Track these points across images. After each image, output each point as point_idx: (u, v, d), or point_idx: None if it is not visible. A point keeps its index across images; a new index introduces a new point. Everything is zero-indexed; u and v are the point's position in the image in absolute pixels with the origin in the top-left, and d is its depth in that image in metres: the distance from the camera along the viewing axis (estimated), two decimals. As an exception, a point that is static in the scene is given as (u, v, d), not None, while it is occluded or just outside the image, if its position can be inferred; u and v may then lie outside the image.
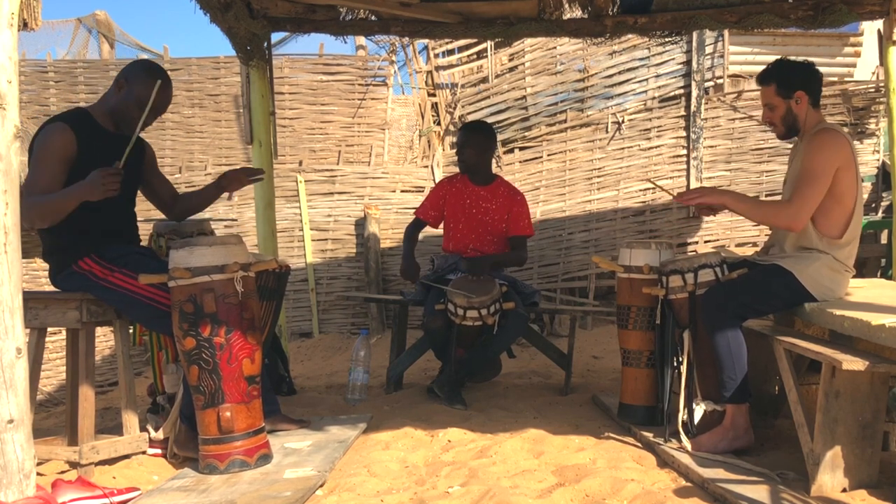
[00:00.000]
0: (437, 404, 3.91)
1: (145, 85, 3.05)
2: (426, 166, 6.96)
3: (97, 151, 3.02)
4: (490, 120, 6.80)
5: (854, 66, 7.14)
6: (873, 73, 7.12)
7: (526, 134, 6.88)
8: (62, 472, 2.97)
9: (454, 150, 6.83)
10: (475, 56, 6.92)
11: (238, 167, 3.62)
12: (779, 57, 3.29)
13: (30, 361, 2.40)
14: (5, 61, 2.18)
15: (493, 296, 3.89)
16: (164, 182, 3.49)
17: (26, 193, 2.87)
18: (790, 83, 3.12)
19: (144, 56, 8.31)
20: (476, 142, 4.36)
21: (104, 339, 6.11)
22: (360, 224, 6.92)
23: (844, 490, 2.56)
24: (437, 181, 6.67)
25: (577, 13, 4.38)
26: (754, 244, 6.51)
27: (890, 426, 2.75)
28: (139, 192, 3.37)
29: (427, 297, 4.20)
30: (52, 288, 3.15)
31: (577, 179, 6.88)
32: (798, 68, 3.18)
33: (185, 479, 2.81)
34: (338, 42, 10.62)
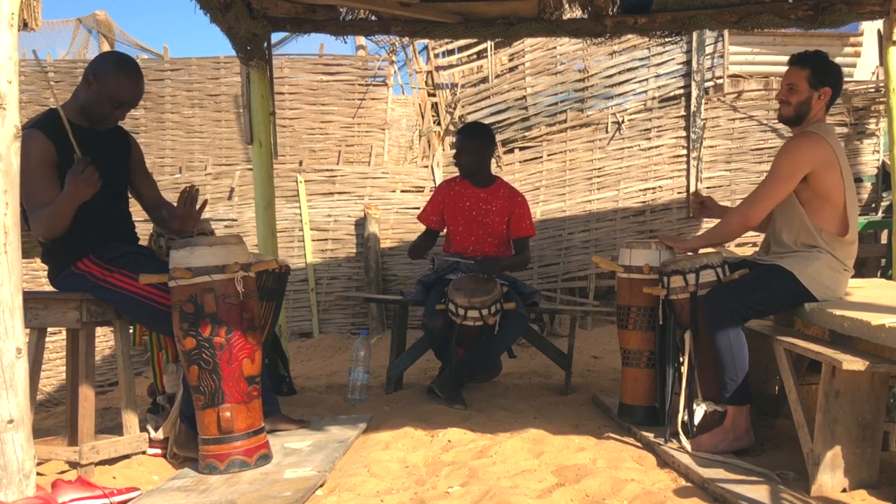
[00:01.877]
0: (437, 404, 3.91)
1: (116, 81, 2.99)
2: (426, 166, 6.96)
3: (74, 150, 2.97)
4: (490, 120, 6.80)
5: (854, 66, 7.14)
6: (873, 73, 7.13)
7: (526, 134, 6.88)
8: (62, 472, 2.97)
9: (454, 150, 6.84)
10: (475, 56, 6.92)
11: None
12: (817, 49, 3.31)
13: (30, 361, 2.40)
14: (5, 61, 2.18)
15: (493, 296, 3.89)
16: (149, 185, 3.38)
17: (30, 211, 2.86)
18: (825, 76, 3.14)
19: (144, 56, 8.31)
20: (472, 148, 4.36)
21: (104, 339, 6.11)
22: (360, 224, 6.92)
23: (844, 490, 2.56)
24: (437, 181, 6.68)
25: (577, 13, 4.38)
26: (754, 244, 6.51)
27: (890, 426, 2.75)
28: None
29: (427, 297, 4.20)
30: (52, 288, 3.15)
31: (577, 179, 6.88)
32: (835, 67, 3.22)
33: (185, 479, 2.81)
34: (338, 42, 10.64)
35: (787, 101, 3.19)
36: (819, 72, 3.14)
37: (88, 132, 3.05)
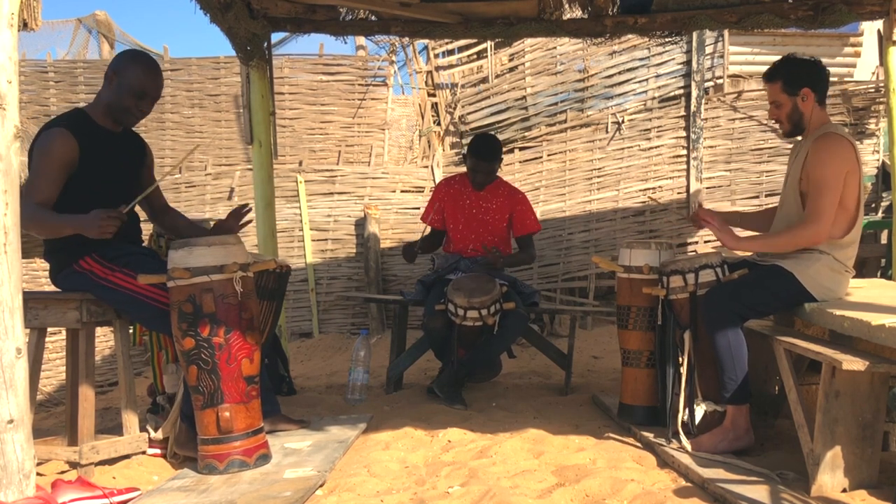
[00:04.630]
0: (437, 404, 3.91)
1: (135, 72, 3.06)
2: (426, 166, 6.96)
3: (99, 153, 3.02)
4: (490, 120, 6.80)
5: (854, 66, 7.14)
6: (873, 73, 7.12)
7: (526, 134, 6.87)
8: (62, 472, 2.97)
9: (454, 150, 6.84)
10: (475, 56, 6.92)
11: (230, 210, 3.52)
12: (787, 53, 3.28)
13: (30, 361, 2.40)
14: (5, 61, 2.17)
15: (493, 296, 3.89)
16: (156, 191, 3.37)
17: (25, 196, 2.86)
18: (796, 80, 3.11)
19: (144, 56, 8.30)
20: (487, 169, 4.34)
21: (104, 339, 6.11)
22: (360, 224, 6.92)
23: (844, 490, 2.56)
24: (437, 181, 6.68)
25: (577, 13, 4.38)
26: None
27: (890, 426, 2.75)
28: None
29: (427, 297, 4.21)
30: (52, 288, 3.15)
31: (577, 179, 6.88)
32: (805, 65, 3.16)
33: (184, 479, 2.81)
34: (338, 42, 10.65)
35: (777, 118, 3.20)
36: (789, 78, 3.11)
37: (111, 135, 3.11)
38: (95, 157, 3.00)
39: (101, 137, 3.06)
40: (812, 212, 2.99)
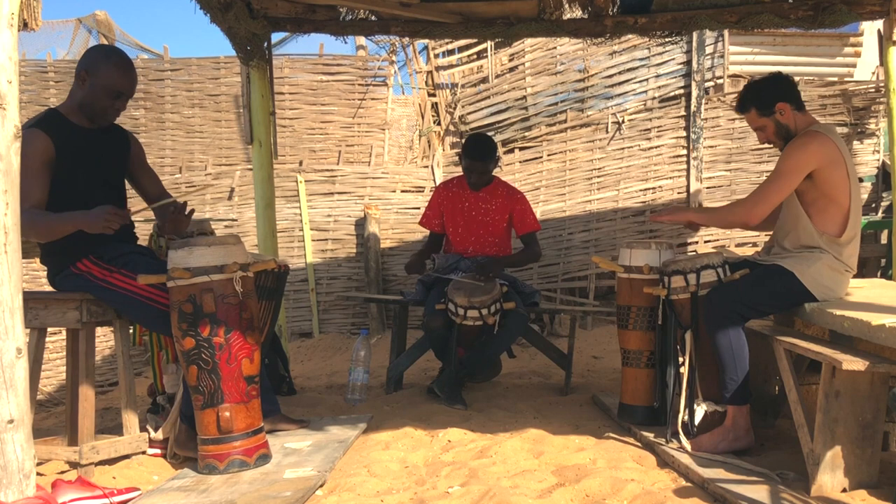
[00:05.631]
0: (437, 404, 3.91)
1: (110, 72, 2.99)
2: (426, 166, 6.96)
3: (75, 150, 2.98)
4: (490, 120, 6.80)
5: (854, 66, 7.13)
6: (873, 73, 7.12)
7: (526, 134, 6.87)
8: (62, 472, 2.97)
9: (454, 150, 6.84)
10: (475, 56, 6.92)
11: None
12: (747, 82, 3.33)
13: (30, 361, 2.40)
14: (5, 61, 2.17)
15: (493, 296, 3.90)
16: (151, 178, 3.37)
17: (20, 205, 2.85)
18: (767, 101, 3.14)
19: (144, 56, 8.31)
20: (481, 169, 4.34)
21: (104, 339, 6.11)
22: (360, 224, 6.92)
23: (844, 490, 2.56)
24: (437, 181, 6.68)
25: (577, 13, 4.38)
26: (754, 244, 6.52)
27: (890, 426, 2.75)
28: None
29: (427, 296, 4.21)
30: (52, 288, 3.14)
31: (577, 179, 6.88)
32: (768, 83, 3.20)
33: (184, 479, 2.81)
34: (338, 42, 10.64)
35: (767, 140, 3.24)
36: (760, 102, 3.15)
37: (88, 132, 3.06)
38: (73, 155, 2.96)
39: (76, 135, 3.01)
40: (753, 193, 3.13)
